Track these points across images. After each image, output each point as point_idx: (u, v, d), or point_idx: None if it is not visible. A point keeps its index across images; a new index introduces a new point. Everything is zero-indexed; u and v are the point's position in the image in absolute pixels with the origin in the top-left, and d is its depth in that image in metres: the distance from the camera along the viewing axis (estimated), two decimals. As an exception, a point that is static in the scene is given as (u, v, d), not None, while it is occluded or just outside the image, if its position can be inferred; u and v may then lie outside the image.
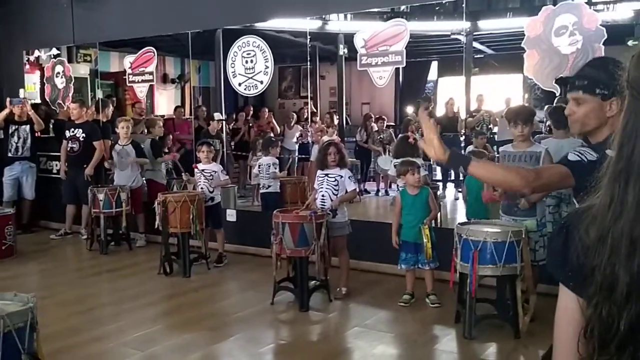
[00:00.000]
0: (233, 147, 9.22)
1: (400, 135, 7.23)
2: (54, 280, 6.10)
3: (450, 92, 9.68)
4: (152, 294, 5.57)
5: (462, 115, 7.61)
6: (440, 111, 9.89)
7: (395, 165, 5.93)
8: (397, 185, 5.99)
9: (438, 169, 9.20)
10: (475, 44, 8.28)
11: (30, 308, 2.81)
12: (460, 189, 7.11)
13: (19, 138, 7.93)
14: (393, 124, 10.14)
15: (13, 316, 2.69)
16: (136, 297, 5.41)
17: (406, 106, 10.36)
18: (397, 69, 7.61)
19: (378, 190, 9.50)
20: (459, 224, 4.65)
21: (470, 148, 6.25)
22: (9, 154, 7.90)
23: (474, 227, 4.43)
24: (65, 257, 7.24)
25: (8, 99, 7.98)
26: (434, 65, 10.93)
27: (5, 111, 7.87)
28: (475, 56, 8.04)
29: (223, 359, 4.27)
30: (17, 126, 7.92)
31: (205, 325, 4.69)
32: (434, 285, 5.04)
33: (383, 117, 9.94)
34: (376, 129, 9.69)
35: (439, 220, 6.15)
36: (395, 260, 5.14)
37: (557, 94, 5.27)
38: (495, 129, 8.10)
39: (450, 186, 8.74)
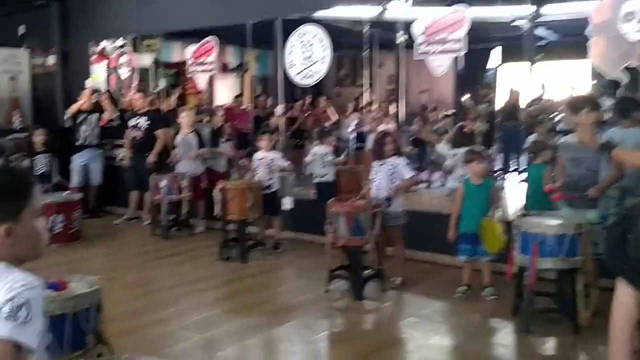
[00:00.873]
0: (288, 136, 9.28)
1: (457, 125, 7.11)
2: (118, 264, 6.36)
3: (511, 80, 9.42)
4: (210, 278, 5.72)
5: (524, 104, 7.39)
6: (501, 100, 9.67)
7: (451, 156, 5.86)
8: (455, 176, 5.92)
9: (499, 158, 9.01)
10: (539, 30, 8.00)
11: (96, 290, 2.94)
12: (522, 179, 6.93)
13: (87, 126, 8.24)
14: (453, 111, 9.95)
15: (80, 298, 2.83)
16: (195, 282, 5.58)
17: (465, 94, 10.13)
18: (456, 57, 7.46)
19: (434, 182, 9.35)
20: (518, 215, 4.56)
21: (531, 138, 6.06)
22: (78, 142, 8.23)
23: (534, 219, 4.33)
24: (129, 241, 7.51)
25: (89, 88, 8.29)
26: (495, 53, 10.63)
27: (82, 100, 8.18)
28: (538, 43, 7.77)
29: (279, 344, 4.34)
30: (86, 115, 8.24)
31: (261, 311, 4.79)
32: (492, 277, 4.96)
33: (437, 107, 9.78)
34: (434, 118, 9.54)
35: (506, 212, 6.02)
36: (452, 251, 5.09)
37: (623, 83, 5.05)
38: (560, 118, 7.84)
39: (512, 176, 8.53)
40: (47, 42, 9.30)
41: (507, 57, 10.43)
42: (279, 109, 8.39)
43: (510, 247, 4.42)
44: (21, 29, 9.64)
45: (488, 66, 10.99)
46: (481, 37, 9.39)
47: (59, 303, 2.75)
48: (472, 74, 10.48)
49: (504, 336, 4.34)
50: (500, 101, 9.75)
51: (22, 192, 1.52)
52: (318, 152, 6.93)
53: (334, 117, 9.96)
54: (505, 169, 8.52)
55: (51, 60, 9.31)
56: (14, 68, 9.47)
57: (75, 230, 7.06)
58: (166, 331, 4.38)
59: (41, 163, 7.53)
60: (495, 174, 7.13)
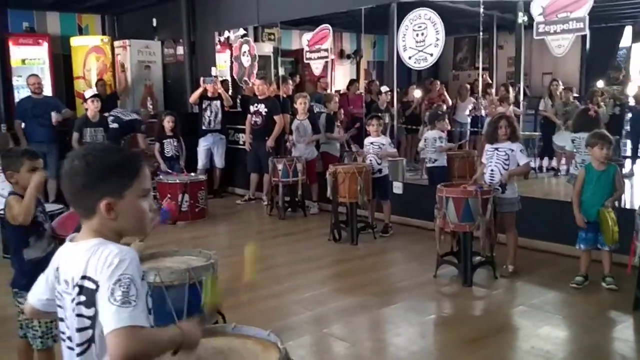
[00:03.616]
0: (403, 120, 9.25)
1: (580, 108, 6.73)
2: (238, 241, 6.73)
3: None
4: (322, 258, 5.93)
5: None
6: (633, 82, 8.98)
7: (573, 140, 5.58)
8: (575, 162, 5.63)
9: (628, 144, 8.43)
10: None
11: (212, 264, 3.19)
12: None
13: (211, 112, 8.74)
14: (577, 95, 9.40)
15: (197, 270, 3.08)
16: (308, 260, 5.81)
17: (593, 76, 9.51)
18: (583, 36, 7.05)
19: (558, 168, 8.91)
20: (642, 204, 4.29)
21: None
22: (203, 127, 8.75)
23: (660, 208, 4.06)
24: (249, 220, 7.94)
25: (202, 78, 8.83)
26: (628, 31, 9.87)
27: (200, 89, 8.71)
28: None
29: (386, 325, 4.42)
30: (209, 102, 8.73)
31: (369, 291, 4.90)
32: (612, 268, 4.72)
33: (570, 87, 9.24)
34: (563, 100, 9.01)
35: (622, 200, 5.69)
36: (570, 240, 4.89)
37: None
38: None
39: (640, 163, 7.96)
40: (177, 34, 9.94)
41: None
42: (384, 87, 8.42)
43: (633, 237, 4.17)
44: (154, 22, 10.39)
45: (620, 45, 10.24)
46: (610, 15, 8.79)
47: (178, 274, 3.02)
48: (601, 54, 9.84)
49: (623, 330, 4.11)
50: (632, 83, 9.06)
51: (129, 171, 1.58)
52: (430, 137, 6.88)
53: (449, 101, 9.80)
54: (634, 156, 7.95)
55: (180, 50, 9.95)
56: (148, 58, 10.25)
57: (200, 208, 7.58)
58: (279, 305, 4.64)
59: (169, 146, 8.12)
60: (621, 161, 6.69)
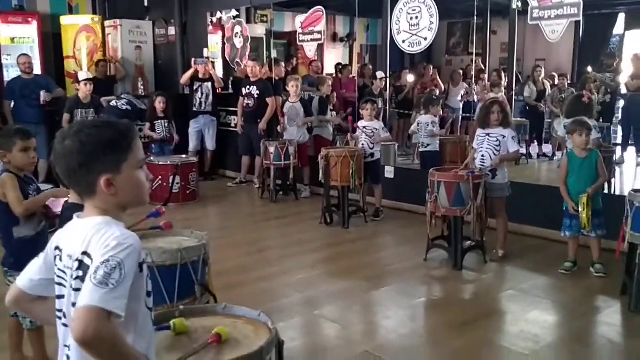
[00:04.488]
0: (395, 105, 9.24)
1: (574, 94, 6.75)
2: (229, 223, 6.74)
3: (638, 47, 8.74)
4: (313, 241, 5.94)
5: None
6: (626, 69, 9.00)
7: (565, 126, 5.60)
8: (567, 148, 5.66)
9: (619, 131, 8.47)
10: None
11: (204, 245, 3.18)
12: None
13: (202, 94, 8.68)
14: (569, 82, 9.42)
15: (189, 250, 3.08)
16: (299, 244, 5.82)
17: (586, 63, 9.52)
18: (576, 23, 7.04)
19: (554, 154, 8.95)
20: (632, 190, 4.32)
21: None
22: (194, 109, 8.68)
23: (650, 195, 4.09)
24: (240, 202, 7.92)
25: (193, 59, 8.76)
26: (621, 18, 9.87)
27: (191, 71, 8.64)
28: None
29: (376, 308, 4.45)
30: (200, 83, 8.66)
31: (360, 275, 4.92)
32: (601, 254, 4.76)
33: (564, 74, 9.25)
34: (555, 85, 9.02)
35: (612, 186, 5.73)
36: (559, 226, 4.91)
37: None
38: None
39: (632, 150, 7.99)
40: (169, 14, 9.83)
41: (634, 23, 9.67)
42: (380, 73, 8.39)
43: (622, 223, 4.20)
44: (145, 2, 10.26)
45: (614, 32, 10.25)
46: (604, 2, 8.78)
47: (170, 254, 3.01)
48: (594, 41, 9.86)
49: (610, 315, 4.15)
50: (625, 70, 9.09)
51: (122, 145, 1.58)
52: (423, 121, 6.88)
53: (442, 86, 9.79)
54: (624, 143, 8.00)
55: (172, 31, 9.85)
56: (139, 38, 10.13)
57: (191, 190, 7.55)
58: (270, 287, 4.64)
59: (160, 127, 8.06)
60: (611, 148, 6.73)
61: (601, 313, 4.21)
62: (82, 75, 8.30)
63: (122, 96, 8.60)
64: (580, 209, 4.51)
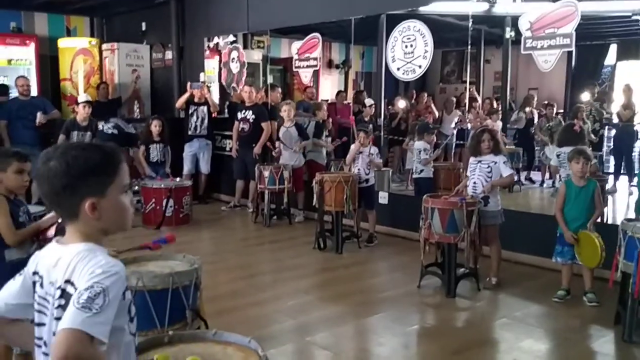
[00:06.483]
0: (388, 131, 9.28)
1: (565, 123, 6.81)
2: (222, 247, 6.71)
3: (629, 77, 8.85)
4: (306, 266, 5.91)
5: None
6: (617, 99, 9.10)
7: (558, 155, 5.65)
8: (560, 176, 5.70)
9: (611, 160, 8.53)
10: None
11: (196, 269, 3.16)
12: (633, 184, 6.55)
13: (197, 118, 8.71)
14: (562, 111, 9.51)
15: (180, 275, 3.06)
16: (292, 268, 5.79)
17: (579, 92, 9.63)
18: (569, 53, 7.13)
19: (543, 181, 9.02)
20: (625, 219, 4.33)
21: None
22: (189, 132, 8.71)
23: (642, 224, 4.10)
24: (233, 226, 7.90)
25: (189, 83, 8.81)
26: (612, 49, 10.02)
27: (186, 94, 8.69)
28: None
29: (368, 335, 4.42)
30: (196, 107, 8.71)
31: (353, 301, 4.89)
32: (593, 283, 4.76)
33: (552, 103, 9.34)
34: (543, 113, 9.12)
35: (604, 215, 5.75)
36: (552, 254, 4.91)
37: None
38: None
39: (623, 179, 8.04)
40: (166, 38, 9.92)
41: (625, 54, 9.81)
42: (369, 100, 8.47)
43: (615, 252, 4.21)
44: (143, 26, 10.35)
45: (605, 63, 10.39)
46: (596, 33, 8.92)
47: (161, 278, 2.99)
48: (586, 71, 9.98)
49: (604, 345, 4.14)
50: (616, 100, 9.20)
51: (109, 168, 1.55)
52: (416, 148, 6.91)
53: (436, 113, 9.86)
54: (617, 172, 8.05)
55: (169, 55, 9.92)
56: (136, 62, 10.21)
57: (185, 214, 7.53)
58: (262, 313, 4.60)
59: (155, 151, 8.06)
60: (603, 177, 6.77)
61: (595, 342, 4.20)
62: (82, 97, 8.32)
63: (110, 120, 8.59)
64: (599, 249, 4.44)
